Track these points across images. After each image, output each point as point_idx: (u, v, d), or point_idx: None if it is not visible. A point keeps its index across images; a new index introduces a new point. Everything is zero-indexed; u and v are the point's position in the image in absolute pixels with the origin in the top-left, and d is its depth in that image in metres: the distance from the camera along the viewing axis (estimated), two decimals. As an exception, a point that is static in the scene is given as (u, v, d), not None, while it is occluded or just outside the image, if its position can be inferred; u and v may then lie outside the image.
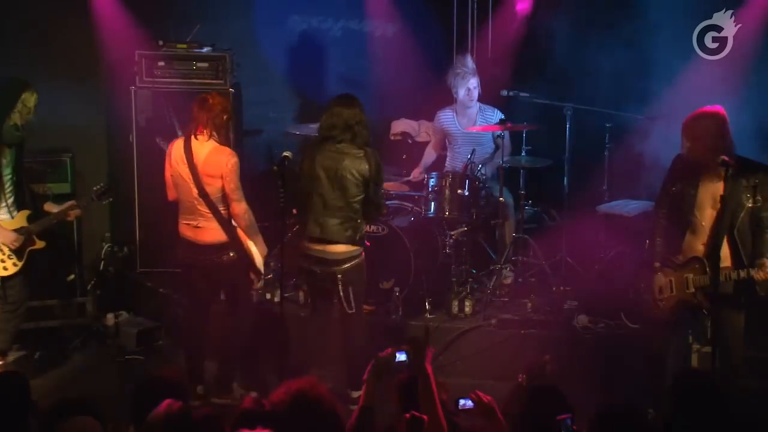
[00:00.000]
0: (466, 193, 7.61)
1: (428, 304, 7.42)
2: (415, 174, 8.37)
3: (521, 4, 8.73)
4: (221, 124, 6.39)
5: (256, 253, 6.51)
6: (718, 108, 5.92)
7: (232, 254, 6.42)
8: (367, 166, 6.25)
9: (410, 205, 7.96)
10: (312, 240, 6.33)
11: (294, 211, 8.11)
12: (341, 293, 6.33)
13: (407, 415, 4.09)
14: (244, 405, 4.18)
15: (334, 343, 6.75)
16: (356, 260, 6.36)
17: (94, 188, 6.95)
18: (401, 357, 4.41)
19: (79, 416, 4.07)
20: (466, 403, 4.27)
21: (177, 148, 6.45)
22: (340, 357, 6.76)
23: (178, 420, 3.97)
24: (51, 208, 6.82)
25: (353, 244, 6.31)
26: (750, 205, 5.69)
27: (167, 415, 3.97)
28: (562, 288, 7.54)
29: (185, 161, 6.33)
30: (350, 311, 6.36)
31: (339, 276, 6.30)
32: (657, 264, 5.94)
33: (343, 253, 6.30)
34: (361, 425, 4.28)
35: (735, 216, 5.71)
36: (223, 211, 6.39)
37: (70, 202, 6.85)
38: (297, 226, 7.14)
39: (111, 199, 7.14)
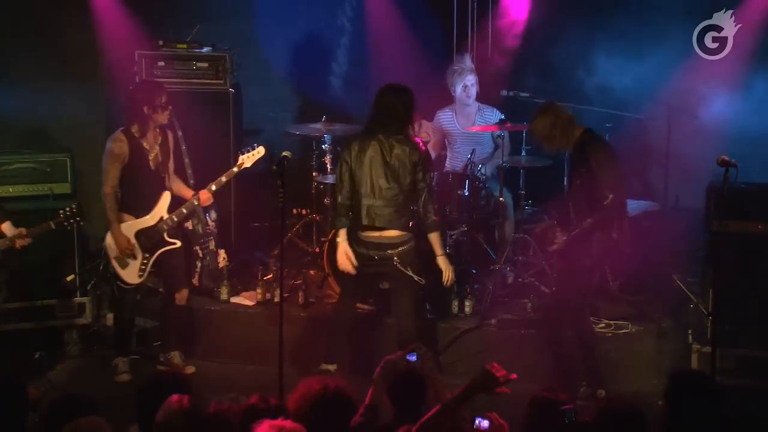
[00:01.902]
0: (466, 193, 7.62)
1: (428, 304, 7.41)
2: None
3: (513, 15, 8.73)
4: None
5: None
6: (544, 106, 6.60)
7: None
8: (417, 154, 6.37)
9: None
10: (366, 228, 6.45)
11: (294, 211, 8.15)
12: (401, 271, 6.43)
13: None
14: (250, 402, 4.19)
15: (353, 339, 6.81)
16: (409, 244, 6.49)
17: (60, 211, 6.70)
18: (412, 358, 4.42)
19: (86, 416, 4.06)
20: (481, 422, 4.26)
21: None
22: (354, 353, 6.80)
23: (191, 415, 4.00)
24: (7, 229, 6.58)
25: (406, 230, 6.46)
26: (581, 178, 6.33)
27: (181, 409, 3.99)
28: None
29: None
30: (422, 282, 6.52)
31: (396, 258, 6.42)
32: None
33: (397, 237, 6.42)
34: (364, 423, 4.30)
35: (572, 186, 6.50)
36: None
37: (19, 230, 6.57)
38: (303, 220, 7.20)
39: (81, 223, 6.86)
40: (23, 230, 6.57)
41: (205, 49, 8.16)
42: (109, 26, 8.22)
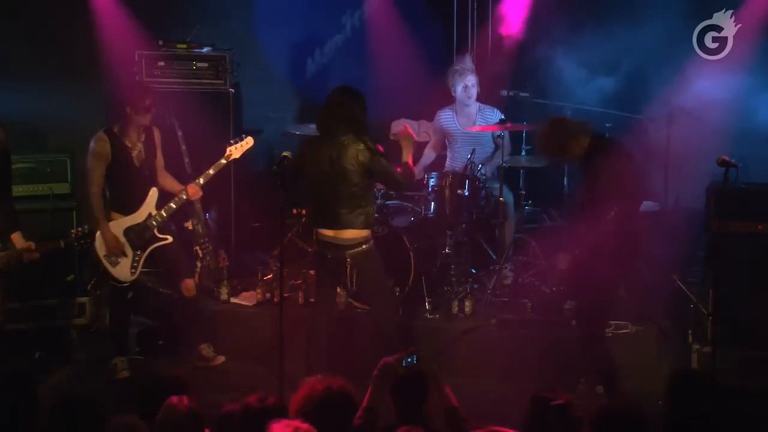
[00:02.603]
0: (466, 193, 7.62)
1: (428, 304, 7.41)
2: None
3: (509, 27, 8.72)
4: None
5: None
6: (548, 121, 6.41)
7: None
8: (367, 154, 6.36)
9: (410, 205, 7.96)
10: (324, 227, 6.48)
11: (294, 211, 8.15)
12: (348, 276, 6.48)
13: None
14: (248, 401, 4.19)
15: (332, 343, 6.78)
16: (366, 246, 6.49)
17: (72, 231, 6.72)
18: (410, 361, 4.43)
19: (125, 416, 4.07)
20: None
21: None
22: (336, 357, 6.78)
23: (191, 415, 4.01)
24: (17, 240, 6.57)
25: (364, 228, 6.46)
26: (586, 187, 6.27)
27: (180, 409, 4.00)
28: (562, 288, 7.53)
29: None
30: (342, 302, 6.65)
31: (348, 260, 6.45)
32: None
33: (353, 239, 6.44)
34: (363, 426, 4.30)
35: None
36: None
37: (28, 243, 6.53)
38: (303, 219, 7.26)
39: (91, 244, 6.81)
40: (32, 244, 6.55)
41: (205, 49, 8.17)
42: (109, 26, 8.22)
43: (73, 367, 7.32)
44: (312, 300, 7.52)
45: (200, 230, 7.62)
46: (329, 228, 6.45)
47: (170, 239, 6.96)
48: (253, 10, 8.94)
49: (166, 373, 4.67)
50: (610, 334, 6.92)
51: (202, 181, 6.97)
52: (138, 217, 6.89)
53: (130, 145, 6.85)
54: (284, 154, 6.20)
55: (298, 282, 7.72)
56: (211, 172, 6.94)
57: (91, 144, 6.82)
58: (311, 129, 8.16)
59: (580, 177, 6.51)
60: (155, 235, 6.92)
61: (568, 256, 6.44)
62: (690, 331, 6.95)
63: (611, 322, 7.06)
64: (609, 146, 6.33)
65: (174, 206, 6.94)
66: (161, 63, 8.05)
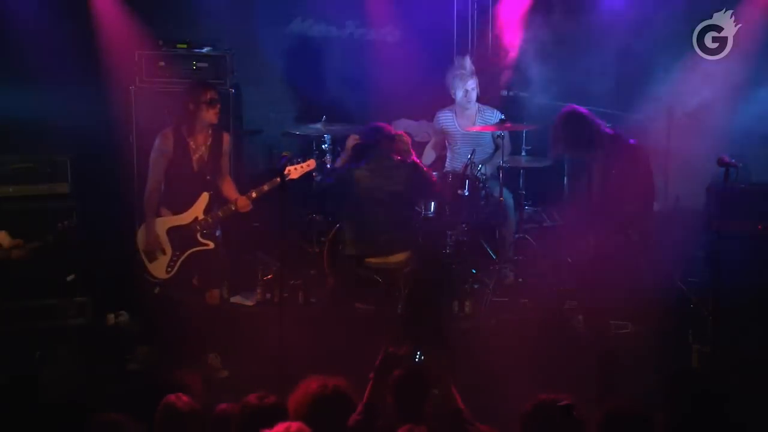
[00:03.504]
0: (466, 193, 7.62)
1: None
2: None
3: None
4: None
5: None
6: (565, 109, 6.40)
7: None
8: (405, 173, 6.60)
9: (410, 205, 7.96)
10: (370, 255, 6.63)
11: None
12: (405, 292, 6.68)
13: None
14: (248, 400, 4.19)
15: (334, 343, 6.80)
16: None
17: (59, 224, 6.73)
18: (417, 358, 4.44)
19: (107, 413, 4.07)
20: None
21: None
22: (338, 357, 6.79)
23: (188, 413, 4.01)
24: (3, 238, 6.58)
25: (410, 245, 6.71)
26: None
27: (178, 408, 4.00)
28: (562, 288, 7.53)
29: None
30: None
31: (401, 279, 6.66)
32: None
33: (402, 261, 6.68)
34: (363, 421, 4.30)
35: None
36: None
37: (17, 240, 6.55)
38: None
39: (78, 238, 6.83)
40: (20, 241, 6.56)
41: (205, 49, 8.16)
42: (109, 27, 8.22)
43: (73, 367, 7.32)
44: (312, 300, 7.54)
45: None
46: (381, 257, 6.58)
47: (211, 245, 6.90)
48: (253, 10, 8.95)
49: (172, 372, 4.68)
50: (610, 334, 6.94)
51: (254, 195, 6.86)
52: (184, 218, 6.87)
53: (193, 146, 6.83)
54: (284, 153, 6.21)
55: (298, 282, 7.72)
56: (266, 188, 6.82)
57: (156, 140, 6.84)
58: (311, 129, 8.19)
59: (588, 175, 6.49)
60: (197, 239, 6.87)
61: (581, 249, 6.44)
62: (690, 331, 6.96)
63: (611, 321, 7.08)
64: (631, 150, 6.31)
65: (221, 214, 6.88)
66: (161, 63, 8.04)
